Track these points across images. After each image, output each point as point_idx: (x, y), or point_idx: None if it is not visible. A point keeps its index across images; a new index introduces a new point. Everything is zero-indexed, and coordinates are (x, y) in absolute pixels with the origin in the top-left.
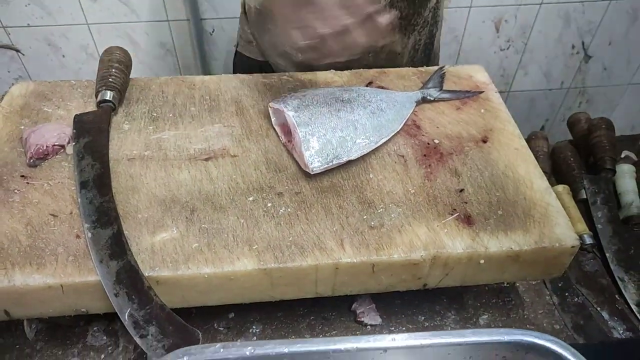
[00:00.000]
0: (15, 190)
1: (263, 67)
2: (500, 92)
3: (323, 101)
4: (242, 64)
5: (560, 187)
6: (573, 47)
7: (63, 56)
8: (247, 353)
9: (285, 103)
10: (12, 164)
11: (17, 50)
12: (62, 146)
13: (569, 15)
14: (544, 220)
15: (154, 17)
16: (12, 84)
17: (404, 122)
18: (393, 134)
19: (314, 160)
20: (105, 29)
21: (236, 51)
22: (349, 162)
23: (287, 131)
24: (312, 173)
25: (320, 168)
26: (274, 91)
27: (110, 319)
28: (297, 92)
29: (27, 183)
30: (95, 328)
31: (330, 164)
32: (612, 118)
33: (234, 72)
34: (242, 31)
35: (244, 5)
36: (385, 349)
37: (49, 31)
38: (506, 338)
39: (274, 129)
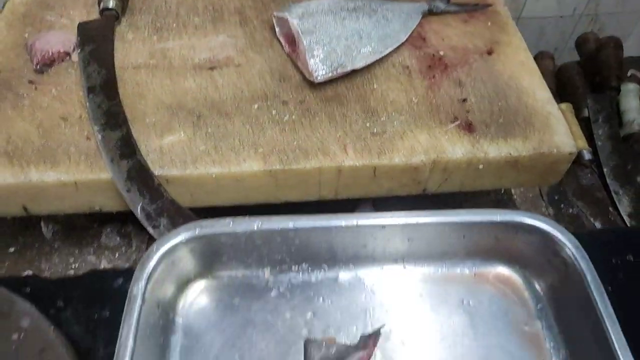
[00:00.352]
0: (25, 95)
1: None
2: None
3: (328, 9)
4: None
5: (564, 105)
6: None
7: None
8: (255, 227)
9: (289, 11)
10: (18, 70)
11: None
12: (68, 53)
13: None
14: (544, 128)
15: None
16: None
17: (410, 33)
18: (398, 44)
19: (319, 68)
20: None
21: None
22: (353, 72)
23: (292, 41)
24: (316, 82)
25: (325, 77)
26: (277, 2)
27: (122, 221)
28: (302, 2)
29: (35, 88)
30: (108, 229)
31: (335, 72)
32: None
33: None
34: None
35: None
36: (383, 226)
37: None
38: (498, 218)
39: (278, 39)
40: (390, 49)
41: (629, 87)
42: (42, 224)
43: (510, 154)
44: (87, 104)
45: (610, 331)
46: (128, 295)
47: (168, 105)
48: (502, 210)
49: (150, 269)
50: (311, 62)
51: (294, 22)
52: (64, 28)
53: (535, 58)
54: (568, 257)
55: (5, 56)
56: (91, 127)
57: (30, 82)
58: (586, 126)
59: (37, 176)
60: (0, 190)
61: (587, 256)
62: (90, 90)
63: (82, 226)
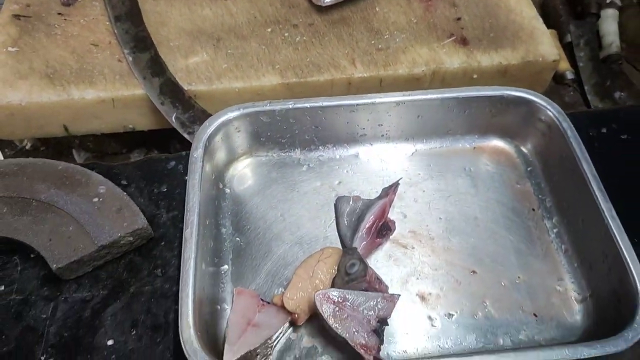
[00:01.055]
0: (56, 25)
1: None
2: None
3: None
4: None
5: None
6: None
7: None
8: (290, 106)
9: None
10: (46, 4)
11: None
12: None
13: None
14: (530, 39)
15: None
16: None
17: None
18: None
19: None
20: None
21: None
22: None
23: None
24: (323, 5)
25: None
26: None
27: (148, 147)
28: None
29: (65, 19)
30: (136, 154)
31: None
32: None
33: None
34: None
35: None
36: (397, 103)
37: None
38: (493, 92)
39: None
40: None
41: (608, 13)
42: (74, 152)
43: (500, 62)
44: (115, 30)
45: (589, 176)
46: (189, 159)
47: (189, 31)
48: (497, 87)
49: (206, 138)
50: None
51: None
52: None
53: None
54: (551, 119)
55: None
56: (121, 51)
57: (59, 14)
58: (569, 51)
59: (78, 94)
60: (44, 110)
61: (567, 118)
62: (117, 18)
63: (111, 152)
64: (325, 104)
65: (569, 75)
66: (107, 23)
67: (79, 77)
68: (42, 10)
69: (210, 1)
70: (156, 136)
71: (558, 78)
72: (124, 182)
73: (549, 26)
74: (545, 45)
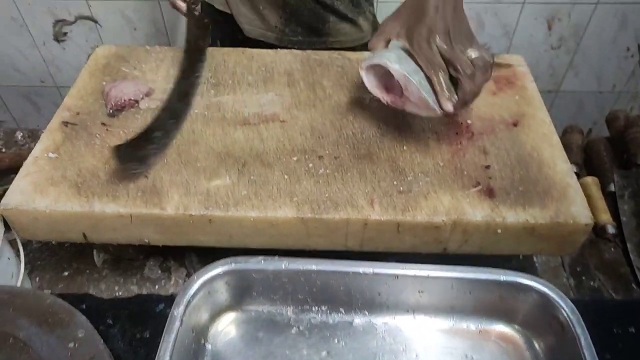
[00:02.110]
0: (97, 135)
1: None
2: (548, 91)
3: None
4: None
5: (590, 179)
6: (628, 49)
7: (135, 29)
8: (283, 266)
9: (383, 58)
10: (94, 113)
11: (96, 22)
12: (137, 101)
13: (626, 16)
14: (562, 198)
15: None
16: (89, 54)
17: None
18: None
19: (432, 98)
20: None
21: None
22: (385, 134)
23: (390, 88)
24: (450, 112)
25: (453, 106)
26: (323, 66)
27: (165, 256)
28: (380, 50)
29: (107, 130)
30: (152, 262)
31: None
32: None
33: None
34: None
35: None
36: (397, 276)
37: (125, 5)
38: (502, 278)
39: (326, 98)
40: None
41: None
42: (95, 252)
43: (527, 220)
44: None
45: None
46: (169, 316)
47: (218, 153)
48: (506, 270)
49: (190, 295)
50: (431, 98)
51: (396, 67)
52: (135, 79)
53: (565, 131)
54: (564, 320)
55: (85, 100)
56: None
57: (103, 124)
58: (612, 201)
59: (99, 207)
60: (66, 218)
61: (582, 321)
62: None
63: (129, 258)
64: (319, 267)
65: (611, 229)
66: None
67: (104, 190)
68: (88, 119)
69: (243, 125)
70: (173, 247)
71: (598, 231)
72: (110, 322)
73: (590, 172)
74: (578, 206)
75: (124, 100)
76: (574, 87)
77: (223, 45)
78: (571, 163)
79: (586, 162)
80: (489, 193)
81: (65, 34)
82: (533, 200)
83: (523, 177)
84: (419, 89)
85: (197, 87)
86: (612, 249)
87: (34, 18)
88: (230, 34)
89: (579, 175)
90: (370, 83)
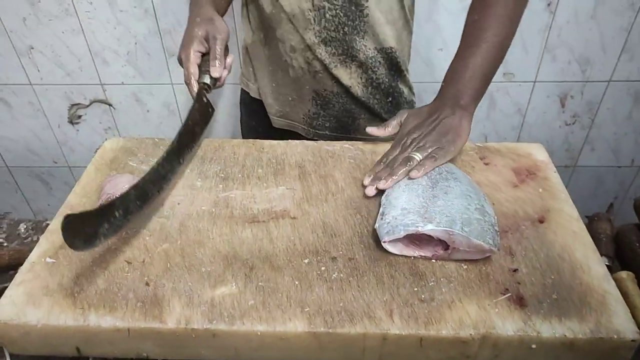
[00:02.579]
0: None
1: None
2: (565, 166)
3: (424, 200)
4: (246, 104)
5: (624, 274)
6: None
7: (148, 111)
8: None
9: (407, 225)
10: None
11: (110, 105)
12: None
13: (639, 93)
14: (601, 308)
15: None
16: (105, 138)
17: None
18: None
19: (488, 241)
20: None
21: (241, 89)
22: None
23: (424, 245)
24: (497, 251)
25: (497, 242)
26: (335, 158)
27: None
28: (385, 215)
29: None
30: None
31: (497, 233)
32: None
33: (241, 112)
34: (244, 69)
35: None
36: None
37: (138, 89)
38: None
39: (338, 192)
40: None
41: None
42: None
43: (565, 335)
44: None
45: None
46: None
47: (224, 255)
48: None
49: None
50: (482, 241)
51: (431, 227)
52: (143, 173)
53: (591, 220)
54: None
55: (89, 198)
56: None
57: None
58: None
59: (94, 320)
60: (59, 332)
61: None
62: None
63: None
64: None
65: None
66: (147, 238)
67: (101, 300)
68: None
69: (252, 222)
70: None
71: None
72: None
73: (624, 266)
74: (621, 318)
75: (116, 196)
76: (592, 162)
77: (257, 132)
78: (602, 255)
79: (617, 253)
80: (520, 301)
81: (79, 116)
82: (569, 311)
83: (555, 283)
84: (468, 237)
85: (176, 174)
86: None
87: (50, 102)
88: (264, 120)
89: (611, 269)
90: (397, 248)
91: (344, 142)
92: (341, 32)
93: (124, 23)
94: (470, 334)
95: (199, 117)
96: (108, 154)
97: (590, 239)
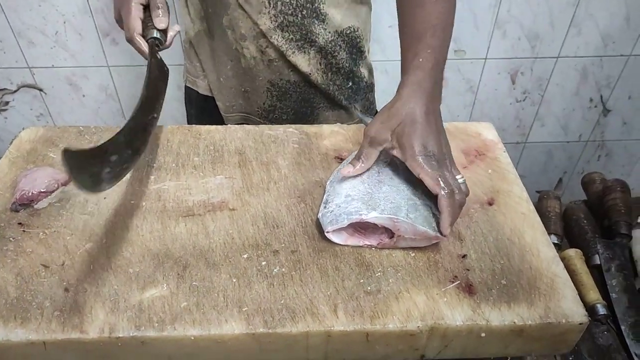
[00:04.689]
0: (11, 239)
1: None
2: (516, 143)
3: (369, 186)
4: (195, 102)
5: (572, 251)
6: (591, 100)
7: (83, 96)
8: None
9: (350, 213)
10: (10, 211)
11: (40, 90)
12: (50, 192)
13: (586, 69)
14: (550, 292)
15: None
16: (34, 123)
17: None
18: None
19: (435, 227)
20: (125, 71)
21: (185, 86)
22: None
23: (369, 233)
24: (446, 235)
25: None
26: (278, 143)
27: None
28: (329, 204)
29: (24, 231)
30: None
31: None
32: (634, 173)
33: (189, 113)
34: (190, 65)
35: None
36: None
37: (71, 72)
38: None
39: (281, 179)
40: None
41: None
42: None
43: (514, 322)
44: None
45: None
46: None
47: (155, 254)
48: None
49: None
50: (427, 228)
51: (374, 214)
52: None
53: (541, 198)
54: None
55: (1, 195)
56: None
57: (20, 224)
58: (598, 275)
59: (3, 334)
60: None
61: None
62: None
63: None
64: None
65: (601, 309)
66: (68, 238)
67: (11, 311)
68: (2, 220)
69: (186, 216)
70: None
71: (587, 311)
72: None
73: (572, 243)
74: (569, 302)
75: (32, 194)
76: (542, 138)
77: (200, 123)
78: (550, 233)
79: (566, 231)
80: (469, 289)
81: (7, 103)
82: (518, 296)
83: (505, 268)
84: (414, 224)
85: (153, 130)
86: (606, 332)
87: None
88: (218, 118)
89: (560, 247)
90: (341, 238)
91: (288, 125)
92: (299, 15)
93: (49, 0)
94: (418, 327)
95: (159, 73)
96: (25, 145)
97: (540, 221)
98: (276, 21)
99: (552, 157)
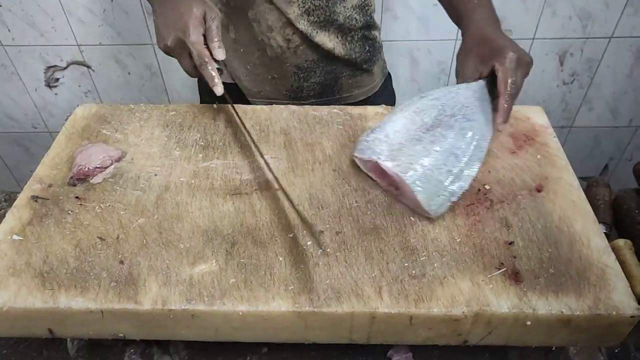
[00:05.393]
0: (69, 211)
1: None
2: (562, 127)
3: (410, 137)
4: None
5: (622, 242)
6: None
7: (129, 73)
8: None
9: (374, 152)
10: (69, 185)
11: (89, 67)
12: (104, 168)
13: None
14: (600, 283)
15: None
16: (82, 99)
17: (491, 121)
18: (489, 140)
19: (431, 204)
20: None
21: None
22: (393, 202)
23: (384, 175)
24: (435, 217)
25: (441, 210)
26: (322, 124)
27: (146, 343)
28: (373, 132)
29: (80, 205)
30: (132, 350)
31: (449, 202)
32: None
33: (200, 97)
34: None
35: None
36: None
37: (118, 50)
38: None
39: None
40: (486, 150)
41: None
42: (68, 339)
43: (562, 312)
44: None
45: None
46: None
47: (204, 230)
48: None
49: None
50: (423, 201)
51: (388, 164)
52: (117, 142)
53: (589, 185)
54: None
55: (59, 170)
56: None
57: (77, 197)
58: None
59: (65, 302)
60: (28, 314)
61: None
62: None
63: (106, 344)
64: None
65: None
66: (122, 212)
67: (72, 280)
68: (61, 193)
69: (234, 195)
70: None
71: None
72: None
73: (622, 233)
74: (621, 294)
75: (88, 169)
76: (589, 122)
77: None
78: (599, 222)
79: (616, 220)
80: (515, 277)
81: (57, 79)
82: (567, 286)
83: (553, 257)
84: (414, 192)
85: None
86: None
87: (25, 65)
88: (242, 103)
89: (608, 237)
90: (365, 166)
91: (332, 106)
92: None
93: None
94: (463, 312)
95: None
96: (80, 121)
97: (590, 209)
98: (304, 7)
99: (598, 142)
